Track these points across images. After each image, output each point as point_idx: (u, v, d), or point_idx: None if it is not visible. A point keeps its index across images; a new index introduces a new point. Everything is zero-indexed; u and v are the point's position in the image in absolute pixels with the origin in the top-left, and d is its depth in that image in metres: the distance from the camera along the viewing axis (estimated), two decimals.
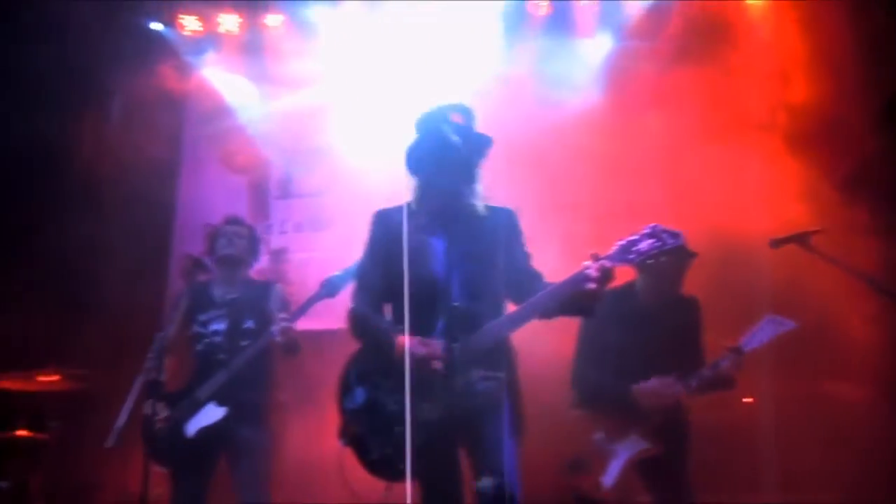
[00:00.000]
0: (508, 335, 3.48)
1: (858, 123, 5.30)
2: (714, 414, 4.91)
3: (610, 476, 4.35)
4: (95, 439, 4.40)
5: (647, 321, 4.49)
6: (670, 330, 4.47)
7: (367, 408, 3.48)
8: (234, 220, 5.00)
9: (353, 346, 3.60)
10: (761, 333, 4.34)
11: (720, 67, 5.83)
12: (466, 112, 3.57)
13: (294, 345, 4.61)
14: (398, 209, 3.46)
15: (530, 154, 5.84)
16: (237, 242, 4.88)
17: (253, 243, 5.00)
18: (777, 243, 4.33)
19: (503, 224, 3.61)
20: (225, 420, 4.51)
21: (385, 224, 3.58)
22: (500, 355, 3.45)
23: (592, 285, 3.18)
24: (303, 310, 4.47)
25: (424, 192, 3.57)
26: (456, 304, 3.33)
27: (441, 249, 3.45)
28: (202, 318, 4.77)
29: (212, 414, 4.53)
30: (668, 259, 3.46)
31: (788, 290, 5.10)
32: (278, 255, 6.90)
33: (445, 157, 3.46)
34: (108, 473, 5.71)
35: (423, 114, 3.59)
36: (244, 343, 4.60)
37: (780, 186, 5.45)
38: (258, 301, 4.75)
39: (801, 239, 4.24)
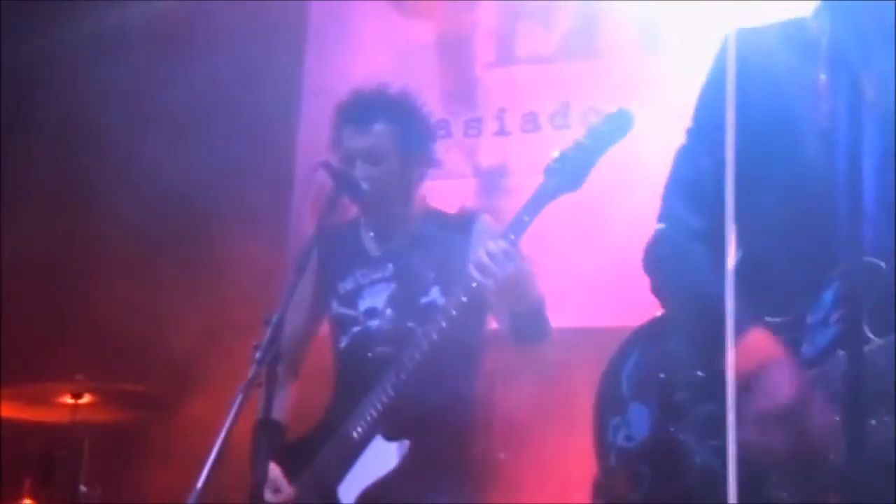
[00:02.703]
0: None
1: None
2: None
3: None
4: None
5: None
6: None
7: (654, 447, 2.28)
8: (368, 106, 3.39)
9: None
10: None
11: None
12: None
13: (535, 313, 3.12)
14: (772, 28, 2.28)
15: None
16: (382, 153, 3.33)
17: (414, 141, 3.43)
18: None
19: None
20: (406, 468, 3.19)
21: (743, 55, 2.15)
22: None
23: None
24: (523, 224, 2.96)
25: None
26: (872, 256, 1.99)
27: (854, 125, 2.02)
28: (345, 288, 3.47)
29: (380, 459, 3.25)
30: None
31: None
32: (492, 176, 4.73)
33: None
34: None
35: None
36: (427, 330, 3.22)
37: None
38: (448, 250, 3.35)
39: None
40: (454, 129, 4.84)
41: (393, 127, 3.42)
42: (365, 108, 3.45)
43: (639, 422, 2.43)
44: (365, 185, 3.36)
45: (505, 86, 4.90)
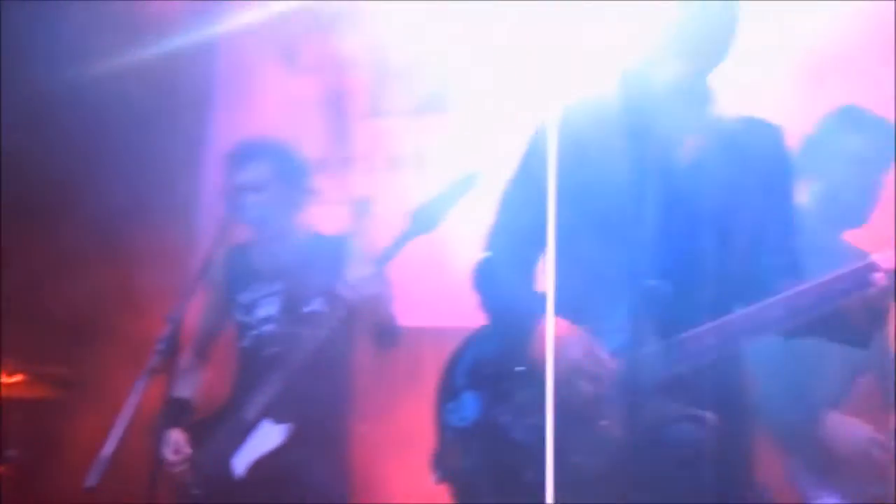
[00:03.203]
0: (732, 348, 2.49)
1: None
2: None
3: None
4: (72, 476, 3.56)
5: None
6: None
7: (481, 428, 2.71)
8: (249, 151, 4.05)
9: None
10: None
11: None
12: None
13: (389, 325, 3.86)
14: (582, 105, 2.69)
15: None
16: (264, 188, 4.00)
17: (292, 176, 4.08)
18: None
19: (761, 150, 2.66)
20: (288, 446, 3.78)
21: (559, 126, 2.74)
22: (718, 383, 2.53)
23: (880, 287, 2.31)
24: (389, 255, 3.65)
25: (625, 83, 2.68)
26: (654, 279, 2.44)
27: (636, 176, 2.54)
28: (244, 298, 4.03)
29: (268, 438, 3.82)
30: None
31: None
32: (362, 204, 5.30)
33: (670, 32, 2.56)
34: None
35: None
36: (309, 334, 3.80)
37: None
38: (325, 267, 3.92)
39: None
40: (332, 166, 5.51)
41: (272, 164, 4.02)
42: (249, 150, 4.07)
43: (470, 406, 2.84)
44: (254, 210, 3.95)
45: (374, 133, 5.63)
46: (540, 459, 2.48)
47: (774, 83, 4.15)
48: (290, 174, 4.07)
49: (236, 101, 5.59)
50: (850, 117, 3.59)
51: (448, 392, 2.90)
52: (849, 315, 2.44)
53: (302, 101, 5.58)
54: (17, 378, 4.75)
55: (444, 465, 2.88)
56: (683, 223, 2.56)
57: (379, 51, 5.55)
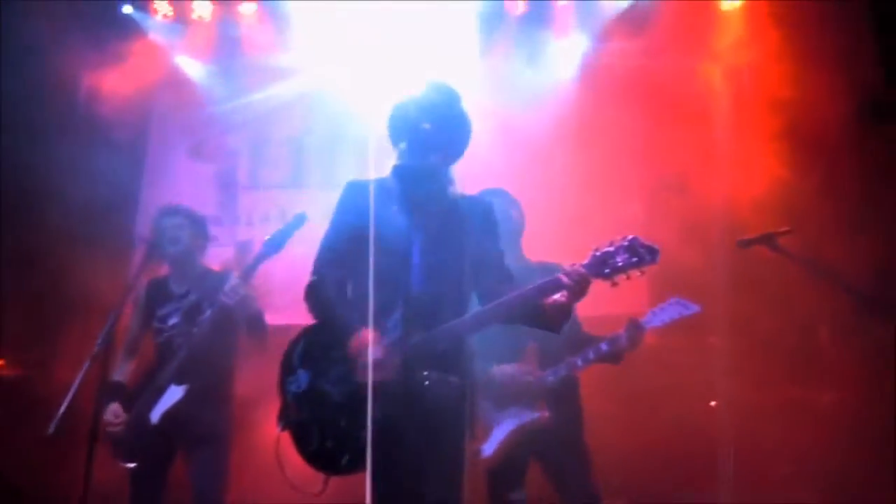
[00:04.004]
0: (469, 337, 3.32)
1: (834, 123, 5.35)
2: (678, 412, 4.91)
3: (490, 445, 4.31)
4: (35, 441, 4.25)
5: None
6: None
7: (310, 395, 3.33)
8: (171, 212, 4.84)
9: None
10: (663, 314, 4.32)
11: (695, 65, 6.00)
12: (452, 94, 3.43)
13: (256, 320, 4.57)
14: (371, 182, 3.34)
15: (502, 154, 5.83)
16: (179, 236, 4.77)
17: (198, 229, 4.87)
18: (744, 244, 4.30)
19: (479, 214, 3.45)
20: (185, 399, 4.47)
21: (355, 195, 3.42)
22: (458, 358, 3.27)
23: (563, 296, 3.08)
24: (250, 271, 4.35)
25: (400, 168, 3.40)
26: (417, 293, 3.19)
27: (408, 230, 3.30)
28: (160, 313, 4.73)
29: (172, 394, 4.50)
30: None
31: (755, 291, 5.09)
32: (244, 246, 6.76)
33: (425, 134, 3.32)
34: (47, 476, 5.52)
35: (410, 89, 3.45)
36: (200, 329, 4.56)
37: (753, 185, 5.49)
38: (214, 291, 4.57)
39: (768, 240, 4.21)
40: (224, 222, 6.80)
41: (186, 219, 4.78)
42: (172, 209, 4.82)
43: (303, 379, 3.36)
44: (171, 249, 4.67)
45: (253, 200, 7.00)
46: (350, 413, 3.11)
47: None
48: (197, 227, 4.85)
49: (160, 177, 6.93)
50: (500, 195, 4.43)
51: (288, 369, 3.41)
52: (545, 310, 3.14)
53: (204, 178, 7.01)
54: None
55: (286, 419, 3.38)
56: (437, 257, 3.27)
57: (256, 144, 7.11)
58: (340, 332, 3.24)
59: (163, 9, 7.06)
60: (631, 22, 6.46)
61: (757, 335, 4.68)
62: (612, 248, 3.07)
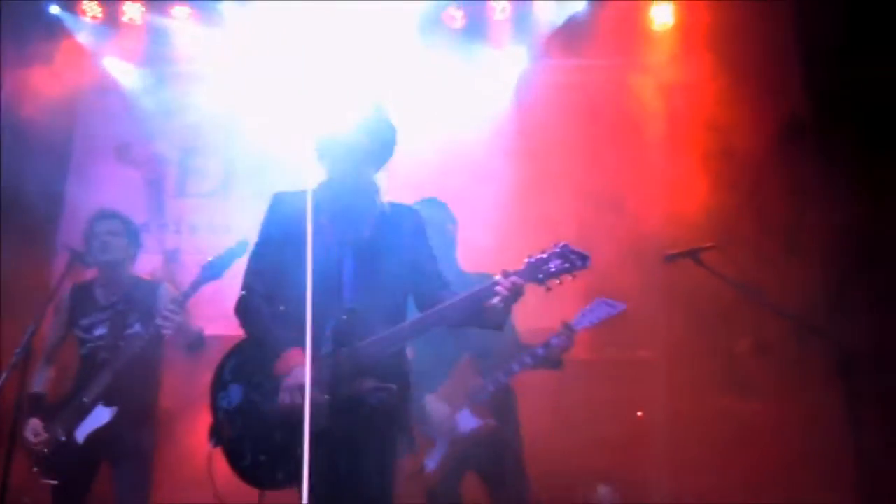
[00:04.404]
0: (405, 345, 3.36)
1: (759, 140, 5.51)
2: (611, 426, 5.02)
3: (433, 460, 4.36)
4: None
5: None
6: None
7: (242, 409, 3.32)
8: (106, 216, 4.73)
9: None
10: (592, 314, 4.41)
11: (629, 82, 6.10)
12: (377, 104, 3.46)
13: (195, 339, 4.52)
14: (299, 194, 3.27)
15: (437, 166, 5.86)
16: (112, 242, 4.67)
17: (132, 237, 4.77)
18: (670, 258, 4.43)
19: (409, 222, 3.48)
20: (112, 421, 4.39)
21: (283, 208, 3.40)
22: (394, 366, 3.29)
23: (499, 301, 3.13)
24: (187, 296, 4.28)
25: (329, 181, 3.41)
26: (349, 307, 3.21)
27: (337, 242, 3.31)
28: (84, 322, 4.61)
29: (100, 416, 4.41)
30: None
31: (686, 304, 5.22)
32: (172, 255, 6.72)
33: (356, 142, 3.34)
34: None
35: (334, 102, 3.47)
36: (131, 346, 4.46)
37: (685, 200, 5.62)
38: (144, 302, 4.58)
39: (693, 254, 4.34)
40: (152, 229, 6.68)
41: (121, 226, 4.70)
42: (108, 213, 4.72)
43: (235, 394, 3.35)
44: (102, 256, 4.54)
45: (181, 208, 6.93)
46: (284, 427, 3.07)
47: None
48: (131, 233, 4.76)
49: (87, 181, 6.80)
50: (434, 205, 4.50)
51: (219, 384, 3.41)
52: (486, 312, 3.19)
53: (132, 184, 6.93)
54: None
55: (217, 435, 3.36)
56: (369, 267, 3.30)
57: (185, 152, 7.02)
58: (271, 349, 3.25)
59: (92, 10, 6.96)
60: (566, 38, 6.58)
61: (686, 348, 4.68)
62: (544, 255, 3.16)
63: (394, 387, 3.21)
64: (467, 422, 4.38)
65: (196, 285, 4.23)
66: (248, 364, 3.37)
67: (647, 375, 5.56)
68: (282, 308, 3.29)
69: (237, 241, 4.05)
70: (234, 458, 3.29)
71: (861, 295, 5.05)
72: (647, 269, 5.37)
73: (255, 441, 3.25)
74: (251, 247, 3.47)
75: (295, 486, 3.00)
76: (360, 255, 3.31)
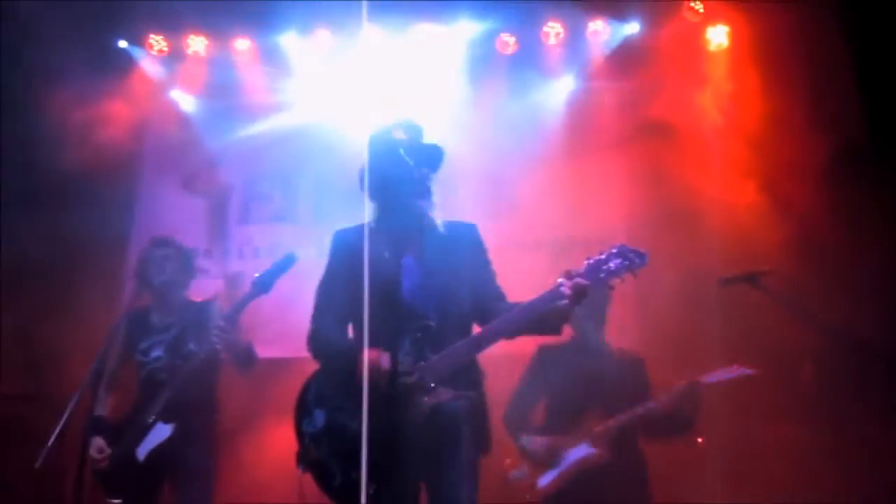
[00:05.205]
0: (477, 354, 3.41)
1: (812, 166, 5.45)
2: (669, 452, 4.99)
3: (546, 479, 4.56)
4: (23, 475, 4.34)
5: (595, 374, 4.67)
6: (617, 385, 4.66)
7: (327, 431, 3.41)
8: (160, 242, 4.90)
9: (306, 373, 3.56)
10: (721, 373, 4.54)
11: (682, 108, 6.05)
12: (412, 127, 3.57)
13: (246, 355, 4.60)
14: (358, 228, 3.44)
15: (491, 188, 5.95)
16: (167, 267, 4.81)
17: (185, 262, 4.91)
18: (726, 282, 4.38)
19: (466, 239, 3.59)
20: (172, 438, 4.49)
21: (345, 243, 3.53)
22: (469, 375, 3.40)
23: (566, 302, 3.20)
24: (237, 311, 4.37)
25: (382, 211, 3.54)
26: (423, 323, 3.32)
27: (405, 267, 3.42)
28: (143, 346, 4.74)
29: (160, 433, 4.51)
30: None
31: (745, 329, 5.18)
32: (234, 279, 6.79)
33: (396, 175, 3.45)
34: None
35: (371, 135, 3.59)
36: (188, 365, 4.59)
37: (740, 224, 5.58)
38: (198, 322, 4.69)
39: (750, 278, 4.27)
40: (215, 255, 6.87)
41: (174, 251, 4.83)
42: (161, 240, 4.88)
43: (319, 418, 3.44)
44: (157, 280, 4.70)
45: (245, 233, 7.06)
46: (372, 442, 3.01)
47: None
48: (185, 259, 4.89)
49: (153, 210, 7.01)
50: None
51: (303, 411, 3.52)
52: (550, 316, 3.26)
53: (196, 211, 7.10)
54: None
55: (305, 459, 3.45)
56: (434, 282, 3.42)
57: (248, 179, 7.21)
58: (348, 365, 3.32)
59: (158, 44, 7.18)
60: (617, 62, 6.60)
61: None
62: (603, 256, 3.24)
63: (471, 394, 3.32)
64: (580, 451, 4.56)
65: (246, 300, 4.32)
66: (328, 389, 3.48)
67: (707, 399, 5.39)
68: (353, 335, 3.41)
69: (285, 254, 4.20)
70: (323, 480, 3.36)
71: None
72: (704, 292, 5.33)
73: (343, 459, 3.32)
74: (321, 281, 3.57)
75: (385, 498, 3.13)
76: (424, 275, 3.42)
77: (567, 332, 4.51)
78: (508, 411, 4.79)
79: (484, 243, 3.62)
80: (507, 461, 4.67)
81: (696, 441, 5.60)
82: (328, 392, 3.46)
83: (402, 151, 3.44)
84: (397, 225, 3.50)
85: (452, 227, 3.57)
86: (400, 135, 3.52)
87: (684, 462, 5.41)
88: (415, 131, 3.57)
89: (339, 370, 3.41)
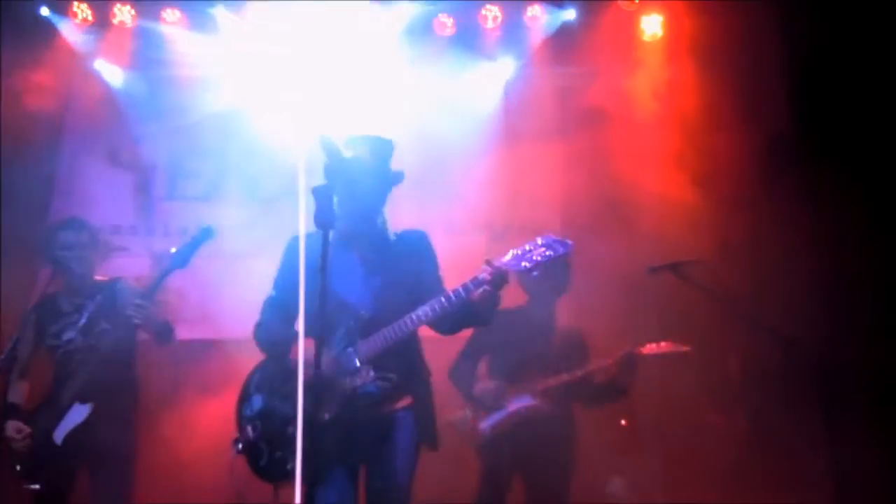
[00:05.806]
0: (401, 338, 3.50)
1: (742, 158, 5.55)
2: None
3: (488, 422, 4.76)
4: None
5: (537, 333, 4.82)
6: (560, 349, 4.82)
7: (260, 414, 3.60)
8: (67, 225, 4.78)
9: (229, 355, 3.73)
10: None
11: (617, 96, 6.10)
12: (383, 145, 3.66)
13: (165, 329, 4.59)
14: (312, 234, 3.38)
15: (428, 171, 5.81)
16: (75, 248, 4.70)
17: (93, 243, 4.81)
18: (653, 270, 4.58)
19: (414, 246, 3.73)
20: (90, 419, 4.43)
21: (296, 242, 3.59)
22: (399, 359, 3.53)
23: (487, 287, 3.31)
24: (155, 285, 4.38)
25: (342, 231, 3.60)
26: (359, 313, 3.49)
27: (347, 264, 3.56)
28: (53, 329, 4.68)
29: (77, 414, 4.45)
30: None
31: (676, 319, 5.25)
32: (160, 257, 6.53)
33: (356, 190, 3.54)
34: None
35: (339, 143, 3.50)
36: (103, 343, 4.54)
37: (672, 213, 5.66)
38: (110, 301, 4.64)
39: (675, 268, 4.45)
40: (140, 230, 6.76)
41: (79, 233, 4.72)
42: (68, 223, 4.78)
43: (257, 402, 3.66)
44: (64, 263, 4.60)
45: (171, 211, 6.90)
46: (296, 421, 2.98)
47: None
48: (95, 241, 4.81)
49: (75, 185, 6.79)
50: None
51: (244, 396, 3.73)
52: (474, 305, 3.40)
53: (121, 187, 6.93)
54: None
55: (242, 441, 3.64)
56: (380, 283, 3.62)
57: (175, 155, 7.03)
58: (286, 353, 3.51)
59: (82, 12, 6.92)
60: (556, 46, 6.61)
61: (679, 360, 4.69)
62: (527, 247, 3.38)
63: (392, 376, 3.50)
64: (521, 400, 4.73)
65: (164, 273, 4.33)
66: (269, 375, 3.67)
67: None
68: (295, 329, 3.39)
69: (201, 227, 4.24)
70: (253, 460, 3.56)
71: (841, 306, 5.15)
72: (637, 280, 5.36)
73: (271, 439, 3.52)
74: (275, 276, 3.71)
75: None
76: (364, 273, 3.61)
77: (522, 297, 4.83)
78: (454, 366, 4.93)
79: (433, 249, 3.75)
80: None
81: (620, 423, 5.81)
82: (268, 378, 3.65)
83: (367, 174, 3.54)
84: (348, 230, 3.62)
85: (402, 233, 3.75)
86: (366, 155, 3.59)
87: (609, 441, 5.52)
88: (385, 148, 3.66)
89: (277, 358, 3.60)
